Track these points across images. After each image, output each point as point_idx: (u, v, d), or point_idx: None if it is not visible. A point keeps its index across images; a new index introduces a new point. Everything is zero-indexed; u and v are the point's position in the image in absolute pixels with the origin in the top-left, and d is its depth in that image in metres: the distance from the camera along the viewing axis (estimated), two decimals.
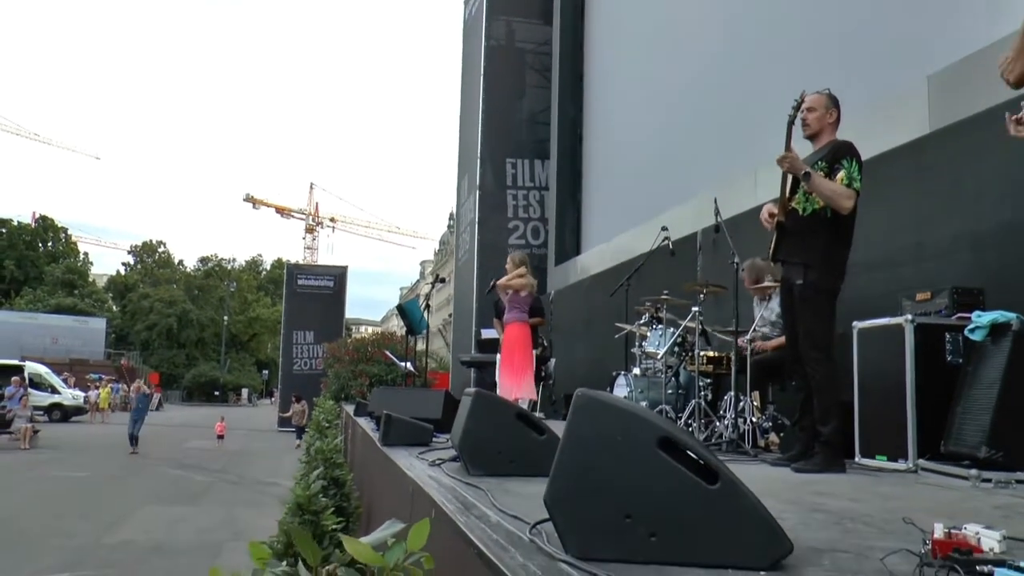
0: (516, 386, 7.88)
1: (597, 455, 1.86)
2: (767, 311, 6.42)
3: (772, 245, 4.89)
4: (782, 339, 5.66)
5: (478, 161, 19.03)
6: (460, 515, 2.50)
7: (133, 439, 21.03)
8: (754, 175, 9.19)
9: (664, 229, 7.74)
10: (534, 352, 8.55)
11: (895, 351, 4.63)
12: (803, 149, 4.93)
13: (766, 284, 6.29)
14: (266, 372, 77.92)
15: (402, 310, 11.62)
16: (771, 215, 4.94)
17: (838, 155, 4.62)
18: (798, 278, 4.69)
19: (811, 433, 4.67)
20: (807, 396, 4.78)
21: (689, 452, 1.85)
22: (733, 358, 6.11)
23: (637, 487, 1.83)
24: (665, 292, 6.85)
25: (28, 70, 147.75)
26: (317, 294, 31.98)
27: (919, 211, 6.05)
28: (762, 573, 1.77)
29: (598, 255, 14.41)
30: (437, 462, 4.01)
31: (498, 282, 8.45)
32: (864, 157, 4.78)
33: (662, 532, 1.81)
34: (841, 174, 4.55)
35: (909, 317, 4.59)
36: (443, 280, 10.06)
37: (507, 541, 2.07)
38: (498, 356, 9.35)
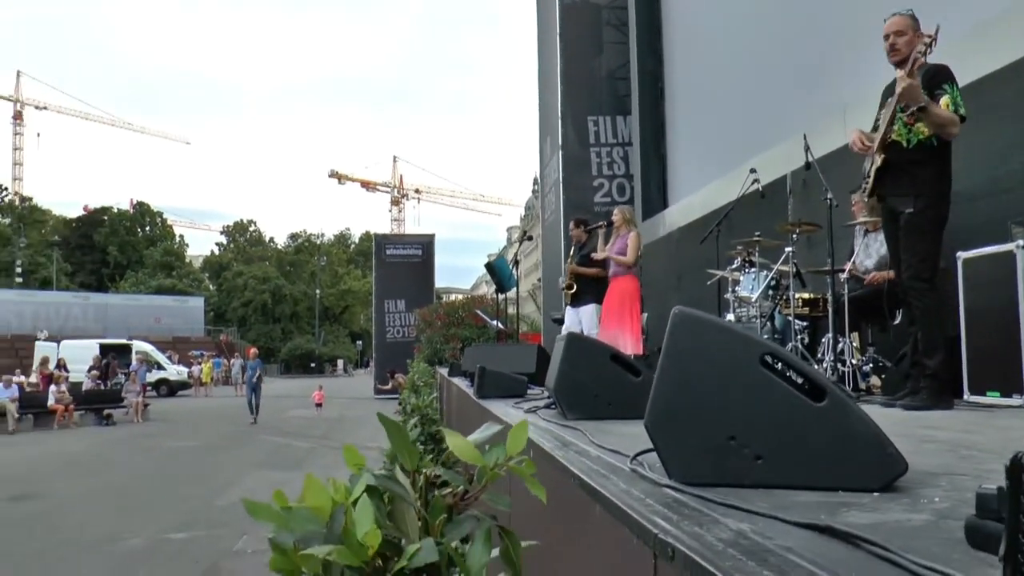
0: (636, 340, 7.80)
1: (698, 376, 1.80)
2: (877, 243, 6.18)
3: (869, 181, 4.66)
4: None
5: (559, 121, 18.83)
6: (558, 451, 2.48)
7: (253, 407, 21.68)
8: (843, 114, 8.87)
9: (752, 171, 7.53)
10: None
11: (1005, 280, 4.42)
12: (889, 77, 4.69)
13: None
14: (360, 343, 79.41)
15: (491, 268, 11.57)
16: (863, 141, 4.68)
17: (936, 80, 4.40)
18: (906, 207, 4.48)
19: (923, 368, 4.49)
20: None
21: (793, 369, 1.78)
22: (830, 299, 5.94)
23: (741, 407, 1.76)
24: (757, 234, 6.68)
25: (118, 61, 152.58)
26: (406, 263, 32.27)
27: None
28: (875, 494, 1.70)
29: (686, 207, 14.17)
30: (533, 409, 4.01)
31: (618, 258, 8.30)
32: (961, 83, 4.54)
33: (768, 454, 1.74)
34: (945, 99, 4.32)
35: (1021, 243, 4.37)
36: (530, 238, 9.91)
37: (608, 471, 2.04)
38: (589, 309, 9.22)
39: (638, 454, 2.14)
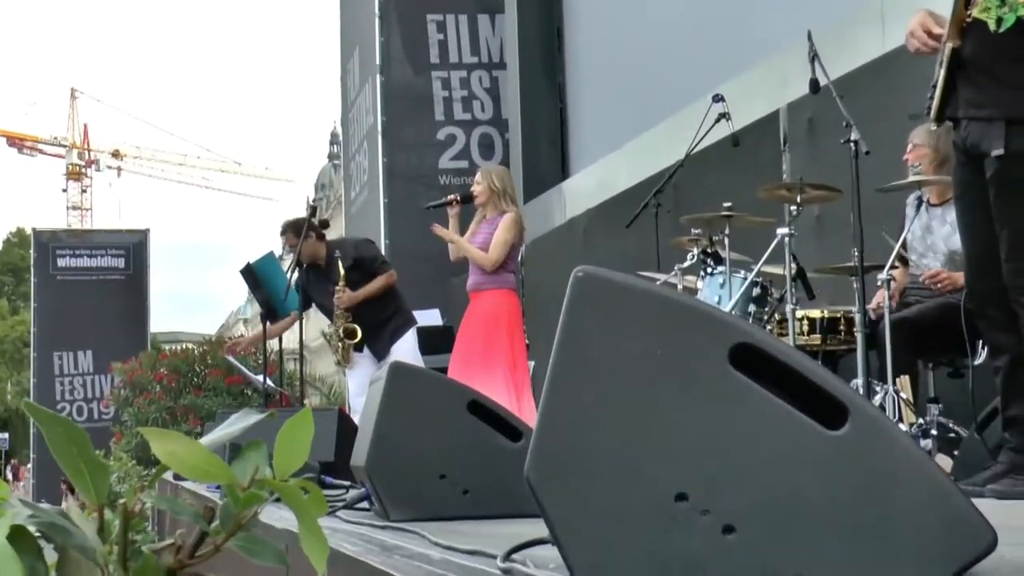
0: (514, 384, 4.70)
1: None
2: (948, 223, 3.65)
3: (938, 90, 2.73)
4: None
5: (376, 22, 11.03)
6: (374, 557, 1.51)
7: None
8: (880, 8, 5.05)
9: (717, 100, 4.94)
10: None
11: None
12: None
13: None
14: (4, 436, 32.62)
15: (250, 273, 6.40)
16: (929, 34, 2.75)
17: None
18: (995, 146, 2.60)
19: None
20: (1012, 363, 2.70)
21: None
22: (859, 319, 3.62)
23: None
24: (726, 206, 4.32)
25: None
26: (96, 282, 16.98)
27: None
28: None
29: (600, 175, 8.56)
30: (331, 510, 2.30)
31: (477, 255, 4.88)
32: None
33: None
34: None
35: None
36: (326, 223, 6.09)
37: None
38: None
39: (512, 551, 1.20)
